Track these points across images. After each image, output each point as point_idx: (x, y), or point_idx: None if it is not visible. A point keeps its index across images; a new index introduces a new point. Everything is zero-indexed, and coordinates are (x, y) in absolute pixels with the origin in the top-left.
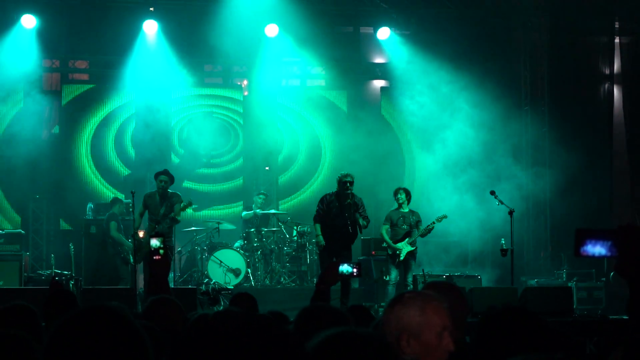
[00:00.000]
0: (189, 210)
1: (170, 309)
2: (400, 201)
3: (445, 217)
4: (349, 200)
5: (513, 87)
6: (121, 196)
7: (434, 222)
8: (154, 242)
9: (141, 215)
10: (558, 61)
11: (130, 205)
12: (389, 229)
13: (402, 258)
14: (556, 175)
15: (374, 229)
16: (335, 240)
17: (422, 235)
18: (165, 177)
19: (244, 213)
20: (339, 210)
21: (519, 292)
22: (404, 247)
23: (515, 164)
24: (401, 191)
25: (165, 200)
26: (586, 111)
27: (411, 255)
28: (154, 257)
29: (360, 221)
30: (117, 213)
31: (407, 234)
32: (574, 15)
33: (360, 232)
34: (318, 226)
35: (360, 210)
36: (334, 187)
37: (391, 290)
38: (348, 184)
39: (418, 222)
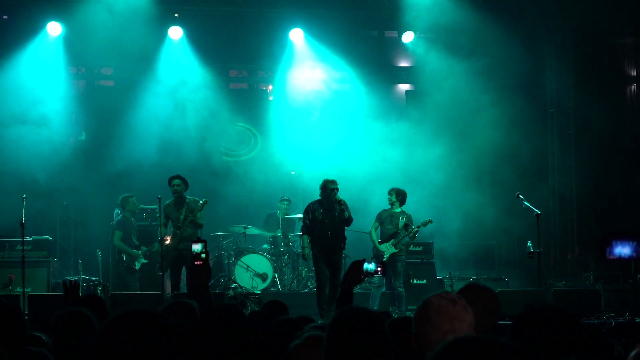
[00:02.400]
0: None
1: (185, 312)
2: (390, 202)
3: (430, 221)
4: (334, 203)
5: (538, 89)
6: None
7: (418, 226)
8: (196, 247)
9: (165, 225)
10: (583, 63)
11: (157, 210)
12: (378, 228)
13: (384, 259)
14: (583, 178)
15: None
16: (326, 241)
17: (411, 238)
18: (179, 180)
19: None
20: (325, 214)
21: (547, 294)
22: (388, 249)
23: (541, 167)
24: (392, 191)
25: (182, 206)
26: (612, 113)
27: (395, 257)
28: (195, 262)
29: (346, 214)
30: (129, 216)
31: (393, 235)
32: (599, 17)
33: (348, 224)
34: (306, 238)
35: (343, 208)
36: (362, 190)
37: (374, 293)
38: (336, 191)
39: (407, 224)
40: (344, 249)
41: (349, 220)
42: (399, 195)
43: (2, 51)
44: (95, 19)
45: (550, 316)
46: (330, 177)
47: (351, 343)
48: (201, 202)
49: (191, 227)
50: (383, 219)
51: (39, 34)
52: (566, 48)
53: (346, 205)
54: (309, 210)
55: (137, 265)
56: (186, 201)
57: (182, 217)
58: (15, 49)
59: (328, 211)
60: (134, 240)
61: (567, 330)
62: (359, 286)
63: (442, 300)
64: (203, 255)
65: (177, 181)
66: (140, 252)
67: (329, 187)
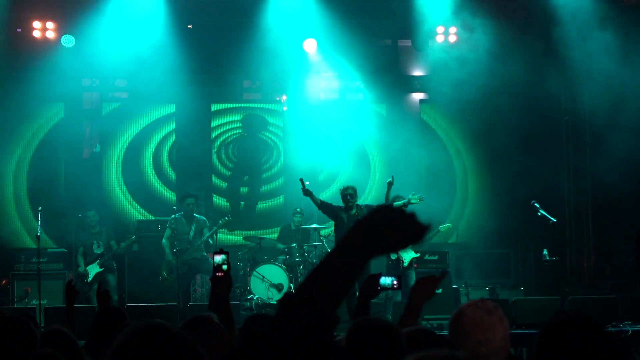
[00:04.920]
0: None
1: (210, 330)
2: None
3: (450, 226)
4: (354, 211)
5: (552, 96)
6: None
7: (438, 230)
8: (218, 259)
9: (168, 239)
10: (598, 67)
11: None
12: None
13: (405, 264)
14: (599, 184)
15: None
16: None
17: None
18: (192, 199)
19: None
20: (350, 218)
21: (563, 302)
22: (408, 253)
23: (556, 174)
24: (401, 197)
25: (192, 222)
26: (629, 119)
27: (415, 262)
28: (217, 274)
29: None
30: (90, 230)
31: None
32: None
33: None
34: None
35: (365, 211)
36: (379, 199)
37: (387, 304)
38: (349, 197)
39: None
40: None
41: None
42: None
43: (15, 63)
44: (108, 31)
45: (578, 324)
46: (346, 185)
47: (367, 354)
48: (221, 221)
49: (202, 247)
50: None
51: (51, 46)
52: (578, 55)
53: (369, 207)
54: (335, 208)
55: (90, 277)
56: (195, 219)
57: (192, 232)
58: (28, 61)
59: (352, 217)
60: (95, 250)
61: (595, 339)
62: None
63: (477, 311)
64: (225, 267)
65: (191, 199)
66: (92, 265)
67: (342, 194)
